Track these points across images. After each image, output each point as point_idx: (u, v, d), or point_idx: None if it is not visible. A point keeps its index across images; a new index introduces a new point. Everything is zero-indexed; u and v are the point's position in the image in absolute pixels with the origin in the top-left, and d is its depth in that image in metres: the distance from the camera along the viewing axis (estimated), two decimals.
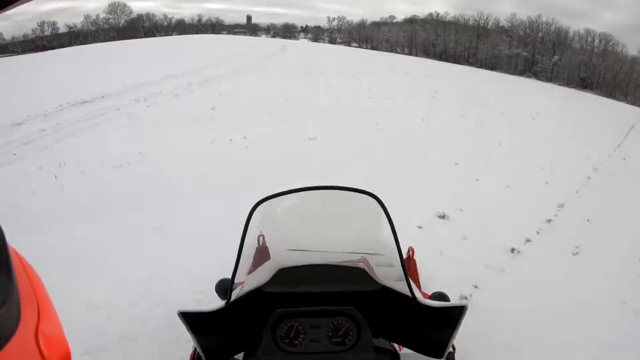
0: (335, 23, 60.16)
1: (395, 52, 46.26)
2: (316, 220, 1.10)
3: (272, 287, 1.00)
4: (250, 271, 1.10)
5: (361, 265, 1.08)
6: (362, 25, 56.79)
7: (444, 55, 43.74)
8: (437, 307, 0.89)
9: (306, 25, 64.00)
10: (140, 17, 50.67)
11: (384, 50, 47.41)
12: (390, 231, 0.92)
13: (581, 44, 36.42)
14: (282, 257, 1.06)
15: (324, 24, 63.19)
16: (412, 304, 0.92)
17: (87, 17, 46.36)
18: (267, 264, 1.09)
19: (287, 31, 60.04)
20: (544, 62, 37.86)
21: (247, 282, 1.02)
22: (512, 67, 38.96)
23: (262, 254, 1.16)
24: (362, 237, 1.09)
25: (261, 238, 1.20)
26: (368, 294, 0.97)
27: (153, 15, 51.74)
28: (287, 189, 0.97)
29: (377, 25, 56.21)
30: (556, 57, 36.73)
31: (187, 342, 1.46)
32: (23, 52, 37.33)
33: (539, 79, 34.52)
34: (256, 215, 0.95)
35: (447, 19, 47.33)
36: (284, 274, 1.03)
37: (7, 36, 43.89)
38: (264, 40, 36.00)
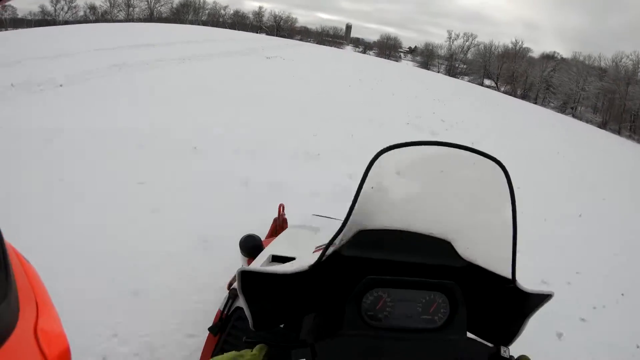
0: (458, 43, 40.17)
1: (573, 116, 24.79)
2: (423, 181, 0.93)
3: (351, 251, 0.83)
4: (267, 238, 1.09)
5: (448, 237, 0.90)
6: (506, 52, 35.66)
7: None
8: (532, 294, 0.76)
9: (415, 47, 45.12)
10: (188, 3, 37.40)
11: (547, 106, 26.48)
12: (510, 208, 0.78)
13: None
14: (366, 216, 0.87)
15: (440, 42, 44.21)
16: (507, 287, 0.79)
17: None
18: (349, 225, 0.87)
19: (386, 49, 42.07)
20: None
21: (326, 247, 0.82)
22: None
23: (280, 224, 1.08)
24: (460, 212, 0.92)
25: (281, 207, 1.08)
26: (453, 270, 0.84)
27: (204, 2, 38.15)
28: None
29: (517, 56, 34.78)
30: None
31: None
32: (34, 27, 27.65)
33: None
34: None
35: None
36: (363, 237, 0.86)
37: (25, 11, 34.38)
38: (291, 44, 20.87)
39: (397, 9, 70.10)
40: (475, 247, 0.86)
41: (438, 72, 36.97)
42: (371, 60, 25.72)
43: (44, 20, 33.56)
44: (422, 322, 0.77)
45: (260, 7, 40.60)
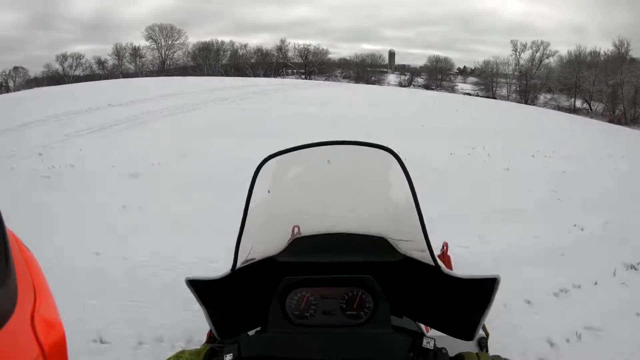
0: (527, 55, 32.63)
1: None
2: (328, 183, 1.00)
3: (285, 257, 0.89)
4: None
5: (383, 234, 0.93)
6: (610, 59, 27.60)
7: None
8: (464, 279, 0.76)
9: (464, 67, 37.98)
10: (207, 46, 33.29)
11: None
12: (409, 191, 0.80)
13: None
14: (303, 224, 0.96)
15: (501, 54, 36.42)
16: (435, 274, 0.79)
17: (116, 47, 30.80)
18: (279, 231, 0.97)
19: (437, 73, 35.31)
20: None
21: (255, 249, 0.90)
22: None
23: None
24: (380, 206, 0.98)
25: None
26: (388, 265, 0.86)
27: (222, 43, 33.87)
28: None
29: (622, 62, 26.58)
30: None
31: None
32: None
33: None
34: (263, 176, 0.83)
35: None
36: (299, 243, 0.93)
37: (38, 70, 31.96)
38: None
39: (439, 30, 68.36)
40: (404, 240, 0.87)
41: (507, 97, 29.70)
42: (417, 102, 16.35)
43: (54, 78, 30.95)
44: (345, 318, 0.78)
45: (282, 41, 35.33)
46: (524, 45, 32.32)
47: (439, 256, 0.95)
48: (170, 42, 32.03)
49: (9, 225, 0.45)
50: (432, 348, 0.67)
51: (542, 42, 32.07)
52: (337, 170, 0.95)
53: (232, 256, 0.81)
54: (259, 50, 34.70)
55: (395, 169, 0.79)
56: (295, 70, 34.40)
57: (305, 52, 34.95)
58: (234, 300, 0.83)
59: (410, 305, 0.84)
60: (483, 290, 0.73)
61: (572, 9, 52.86)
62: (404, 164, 0.78)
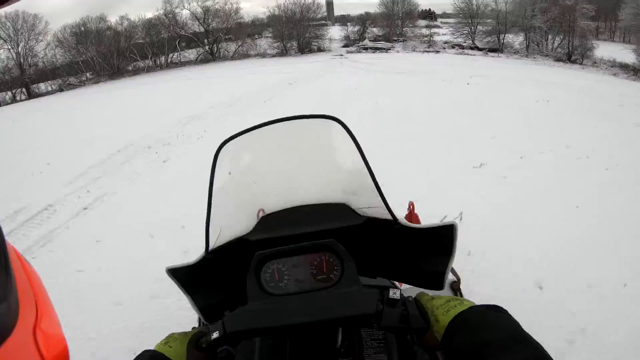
0: None
1: None
2: (287, 159, 1.07)
3: (255, 235, 0.97)
4: None
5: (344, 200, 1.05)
6: None
7: None
8: (422, 229, 0.85)
9: (429, 10, 27.66)
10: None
11: None
12: (358, 154, 0.88)
13: None
14: (267, 201, 1.06)
15: None
16: (395, 228, 0.89)
17: None
18: (247, 211, 1.06)
19: (393, 19, 25.52)
20: None
21: (225, 231, 0.98)
22: None
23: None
24: (336, 174, 1.05)
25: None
26: (351, 228, 0.94)
27: None
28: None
29: None
30: None
31: None
32: None
33: None
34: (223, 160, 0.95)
35: None
36: (266, 220, 1.01)
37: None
38: None
39: None
40: (362, 202, 0.94)
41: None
42: None
43: None
44: (317, 283, 0.83)
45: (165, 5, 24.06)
46: None
47: (406, 216, 1.08)
48: None
49: None
50: (398, 298, 0.70)
51: None
52: (291, 146, 0.99)
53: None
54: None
55: (343, 136, 0.87)
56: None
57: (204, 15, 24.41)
58: (213, 282, 0.90)
59: (381, 265, 0.93)
60: (443, 238, 0.79)
61: None
62: (350, 130, 0.87)
